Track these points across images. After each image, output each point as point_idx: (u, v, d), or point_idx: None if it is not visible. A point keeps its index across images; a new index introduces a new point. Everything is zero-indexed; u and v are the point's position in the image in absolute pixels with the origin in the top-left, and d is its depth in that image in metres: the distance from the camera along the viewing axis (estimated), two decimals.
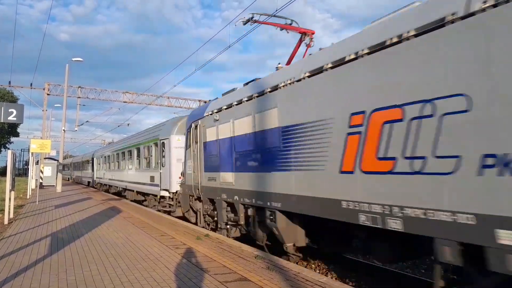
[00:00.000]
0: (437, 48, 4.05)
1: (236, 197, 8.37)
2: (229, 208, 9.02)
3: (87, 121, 42.65)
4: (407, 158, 4.32)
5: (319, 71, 5.80)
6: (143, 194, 17.78)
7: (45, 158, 30.68)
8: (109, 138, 73.06)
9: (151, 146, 16.09)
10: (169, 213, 14.06)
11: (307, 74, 6.08)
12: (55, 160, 32.67)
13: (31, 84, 32.95)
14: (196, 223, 11.12)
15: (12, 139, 67.87)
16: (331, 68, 5.56)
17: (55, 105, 45.91)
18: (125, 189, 21.21)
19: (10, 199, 11.68)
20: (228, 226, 9.11)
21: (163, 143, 14.53)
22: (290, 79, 6.51)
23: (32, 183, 24.08)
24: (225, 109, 8.91)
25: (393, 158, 4.50)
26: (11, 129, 63.40)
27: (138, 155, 18.05)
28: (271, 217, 7.08)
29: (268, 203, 7.05)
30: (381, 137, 4.67)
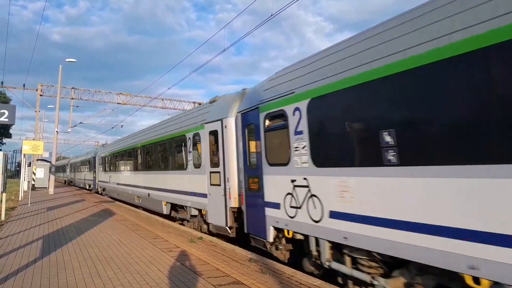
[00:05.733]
0: None
1: None
2: None
3: (80, 123, 42.51)
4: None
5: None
6: None
7: (37, 160, 30.38)
8: (103, 139, 72.52)
9: None
10: None
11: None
12: (47, 161, 32.33)
13: (23, 85, 32.76)
14: None
15: (4, 140, 67.06)
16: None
17: (48, 106, 45.76)
18: None
19: (1, 201, 11.57)
20: None
21: None
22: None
23: (24, 185, 23.82)
24: None
25: None
26: (3, 130, 62.63)
27: None
28: None
29: None
30: None
